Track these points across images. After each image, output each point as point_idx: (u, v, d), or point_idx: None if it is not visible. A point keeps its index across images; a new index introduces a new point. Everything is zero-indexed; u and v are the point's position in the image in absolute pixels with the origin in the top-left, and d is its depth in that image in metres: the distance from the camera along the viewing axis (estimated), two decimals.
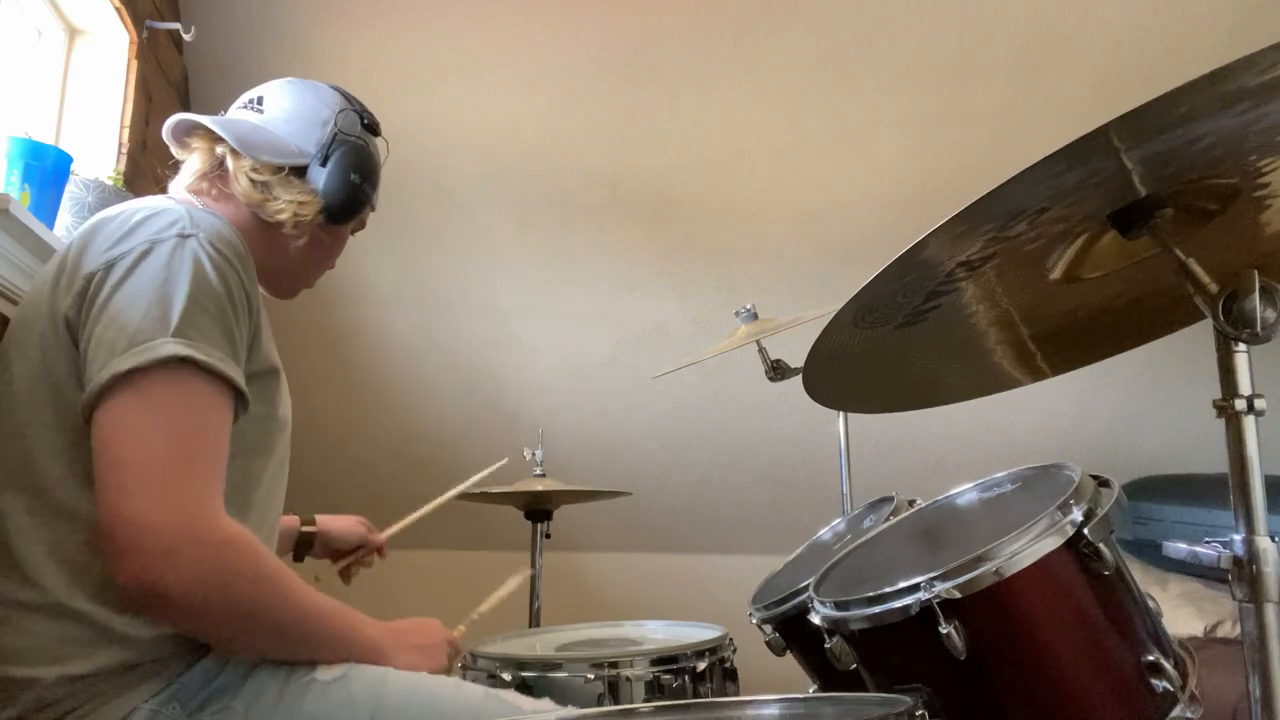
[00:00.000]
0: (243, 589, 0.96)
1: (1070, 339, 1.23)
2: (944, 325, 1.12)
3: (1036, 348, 1.24)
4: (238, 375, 1.01)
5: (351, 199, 1.25)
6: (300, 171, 1.23)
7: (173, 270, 1.00)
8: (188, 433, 0.96)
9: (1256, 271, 0.85)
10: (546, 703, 1.14)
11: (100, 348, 0.97)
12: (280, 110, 1.27)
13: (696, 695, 1.40)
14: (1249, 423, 0.88)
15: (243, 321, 1.05)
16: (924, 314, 1.07)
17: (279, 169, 1.22)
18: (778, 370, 2.14)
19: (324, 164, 1.23)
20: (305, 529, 1.55)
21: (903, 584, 0.96)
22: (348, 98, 1.31)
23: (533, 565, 2.34)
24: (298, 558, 1.56)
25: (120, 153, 2.06)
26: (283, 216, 1.21)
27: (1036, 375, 1.29)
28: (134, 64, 2.14)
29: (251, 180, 1.20)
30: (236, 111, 1.30)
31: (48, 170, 1.65)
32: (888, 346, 1.14)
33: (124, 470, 0.92)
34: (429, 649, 1.16)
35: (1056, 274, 1.05)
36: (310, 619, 1.03)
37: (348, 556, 1.61)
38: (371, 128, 1.32)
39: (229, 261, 1.05)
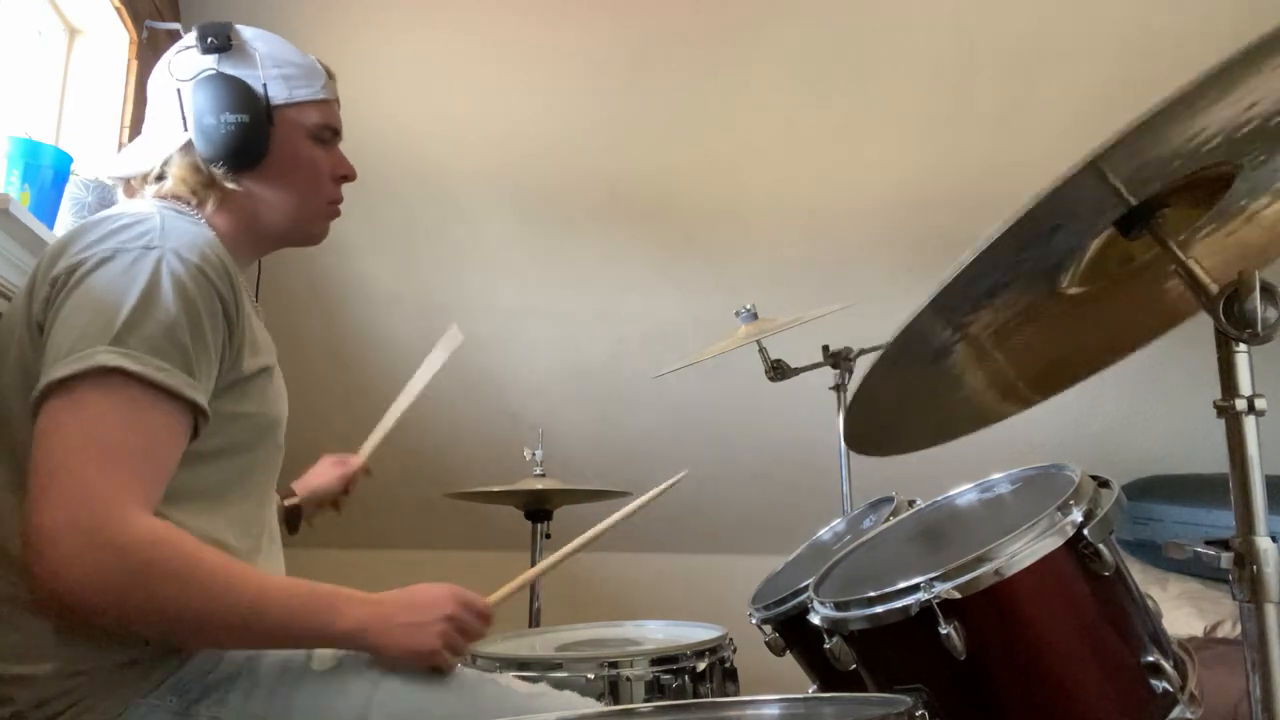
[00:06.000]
0: (164, 588, 0.91)
1: (1080, 358, 1.22)
2: (968, 357, 1.12)
3: (1045, 371, 1.23)
4: (185, 386, 0.96)
5: (229, 139, 1.13)
6: (188, 147, 1.15)
7: (128, 280, 0.97)
8: (110, 439, 0.92)
9: (1256, 271, 0.85)
10: (543, 686, 1.13)
11: (48, 354, 0.95)
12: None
13: (696, 695, 1.40)
14: (1249, 423, 0.88)
15: (210, 332, 1.01)
16: (951, 348, 1.06)
17: (156, 167, 1.17)
18: (778, 370, 2.14)
19: (185, 128, 1.15)
20: (288, 503, 1.54)
21: (902, 584, 0.96)
22: (194, 35, 1.16)
23: (533, 565, 2.34)
24: (292, 531, 1.55)
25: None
26: (183, 193, 1.15)
27: (1048, 394, 1.28)
28: (134, 64, 2.14)
29: (160, 178, 1.16)
30: None
31: (48, 170, 1.65)
32: (916, 385, 1.14)
33: (41, 477, 0.90)
34: (420, 628, 1.03)
35: (1071, 289, 1.04)
36: (263, 611, 0.97)
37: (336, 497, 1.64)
38: (215, 44, 1.15)
39: (200, 271, 1.01)
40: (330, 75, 1.26)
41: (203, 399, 0.99)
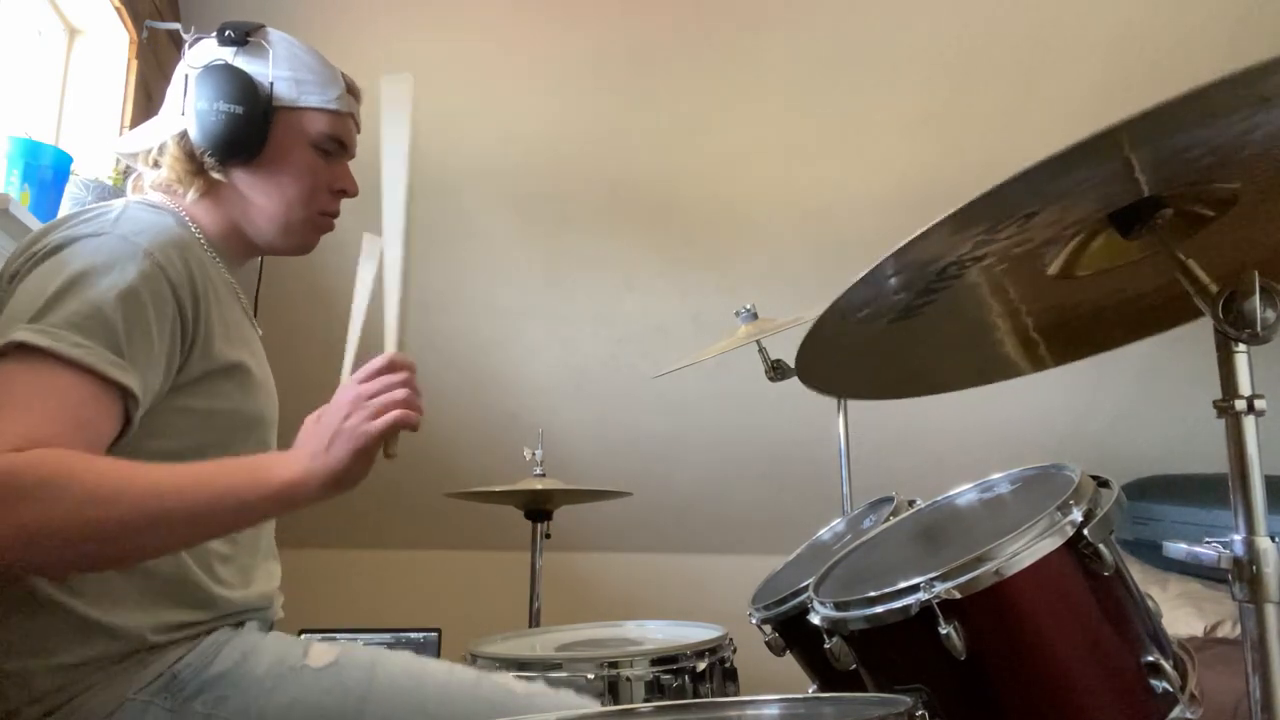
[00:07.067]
0: (40, 504, 0.83)
1: (1074, 330, 1.23)
2: (943, 316, 1.12)
3: (1040, 337, 1.24)
4: (103, 362, 0.93)
5: (219, 127, 1.13)
6: (184, 133, 1.17)
7: (63, 263, 0.98)
8: (1, 399, 0.89)
9: (1256, 271, 0.85)
10: (540, 685, 1.13)
11: None
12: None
13: (696, 695, 1.40)
14: (1249, 423, 0.88)
15: (156, 317, 0.99)
16: (919, 309, 1.07)
17: (154, 149, 1.19)
18: (778, 370, 2.14)
19: (184, 113, 1.16)
20: None
21: (902, 584, 0.96)
22: (217, 30, 1.18)
23: (533, 565, 2.34)
24: None
25: None
26: (171, 179, 1.16)
27: (1038, 365, 1.29)
28: (134, 64, 2.14)
29: (157, 164, 1.18)
30: None
31: (48, 170, 1.65)
32: (883, 338, 1.14)
33: None
34: (345, 430, 0.96)
35: (1054, 270, 1.05)
36: (180, 498, 0.90)
37: None
38: (233, 38, 1.17)
39: (146, 255, 1.00)
40: (353, 92, 1.26)
41: (129, 380, 0.95)
